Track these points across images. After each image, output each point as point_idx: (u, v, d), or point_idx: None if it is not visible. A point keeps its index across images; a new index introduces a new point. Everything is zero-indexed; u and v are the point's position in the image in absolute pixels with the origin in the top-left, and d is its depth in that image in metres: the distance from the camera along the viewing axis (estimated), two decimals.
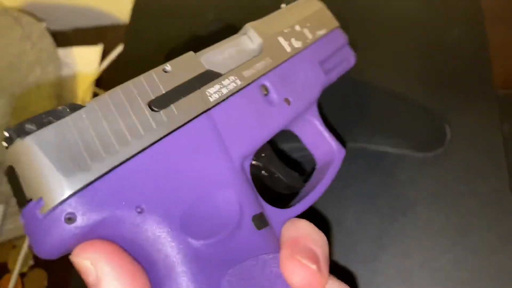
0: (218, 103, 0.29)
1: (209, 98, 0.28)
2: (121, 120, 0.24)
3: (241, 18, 0.48)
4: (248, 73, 0.31)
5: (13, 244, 0.56)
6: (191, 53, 0.30)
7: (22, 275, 0.53)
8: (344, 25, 0.43)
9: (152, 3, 0.61)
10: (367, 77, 0.47)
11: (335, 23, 0.41)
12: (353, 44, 0.42)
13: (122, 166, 0.24)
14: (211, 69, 0.30)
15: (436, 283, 0.38)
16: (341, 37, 0.41)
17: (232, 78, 0.30)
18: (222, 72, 0.30)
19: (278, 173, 0.35)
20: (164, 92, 0.27)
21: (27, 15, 0.65)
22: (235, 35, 0.34)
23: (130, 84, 0.26)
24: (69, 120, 0.23)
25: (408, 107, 0.44)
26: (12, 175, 0.23)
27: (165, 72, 0.28)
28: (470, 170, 0.41)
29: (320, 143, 0.37)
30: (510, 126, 0.45)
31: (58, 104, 0.59)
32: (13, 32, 0.62)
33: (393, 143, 0.43)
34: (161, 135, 0.25)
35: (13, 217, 0.57)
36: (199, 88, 0.28)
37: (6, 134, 0.22)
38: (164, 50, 0.56)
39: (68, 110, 0.23)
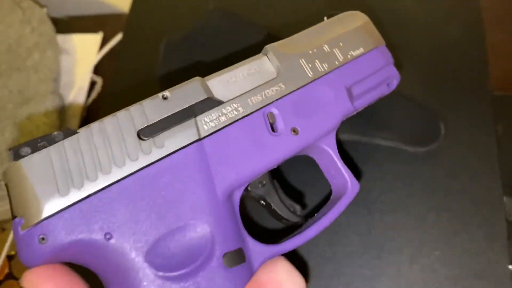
0: (213, 133, 0.28)
1: (204, 127, 0.28)
2: (108, 149, 0.26)
3: (241, 7, 0.48)
4: (255, 99, 0.30)
5: (2, 227, 0.56)
6: (197, 78, 0.29)
7: (9, 257, 0.53)
8: None
9: None
10: None
11: (378, 40, 0.36)
12: None
13: (98, 194, 0.25)
14: (216, 95, 0.29)
15: (425, 279, 0.38)
16: (382, 57, 0.36)
17: (234, 105, 0.29)
18: (226, 98, 0.29)
19: (274, 206, 0.34)
20: (157, 120, 0.27)
21: (28, 0, 0.65)
22: (255, 56, 0.32)
23: (122, 113, 0.27)
24: (61, 146, 0.25)
25: (404, 102, 0.44)
26: (7, 191, 0.25)
27: (164, 98, 0.28)
28: (463, 168, 0.41)
29: (335, 174, 0.34)
30: (504, 127, 0.44)
31: (55, 88, 0.59)
32: (13, 15, 0.62)
33: (386, 136, 0.43)
34: (144, 164, 0.26)
35: (3, 200, 0.57)
36: (195, 117, 0.28)
37: (11, 154, 0.25)
38: (163, 40, 0.56)
39: (62, 136, 0.25)
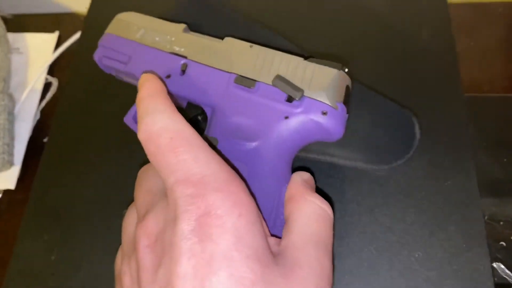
0: None
1: None
2: None
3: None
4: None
5: None
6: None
7: None
8: (315, 31, 0.42)
9: None
10: None
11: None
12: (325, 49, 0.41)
13: None
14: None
15: (404, 281, 0.37)
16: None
17: None
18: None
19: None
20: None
21: None
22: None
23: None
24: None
25: (375, 100, 0.43)
26: None
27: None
28: (439, 169, 0.41)
29: None
30: (474, 128, 0.45)
31: (4, 87, 0.54)
32: None
33: (347, 156, 0.41)
34: None
35: None
36: None
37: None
38: None
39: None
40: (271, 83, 0.37)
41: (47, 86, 0.60)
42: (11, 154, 0.52)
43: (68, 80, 0.53)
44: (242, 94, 0.37)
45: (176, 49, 0.40)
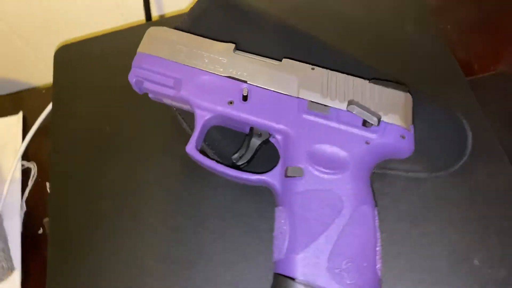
0: None
1: None
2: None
3: None
4: None
5: None
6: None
7: None
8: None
9: (75, 57, 0.55)
10: None
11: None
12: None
13: None
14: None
15: None
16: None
17: None
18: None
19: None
20: None
21: None
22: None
23: None
24: None
25: (429, 108, 0.41)
26: None
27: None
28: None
29: None
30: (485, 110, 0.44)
31: None
32: None
33: (409, 168, 0.40)
34: None
35: None
36: None
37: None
38: (97, 101, 0.49)
39: None
40: (345, 109, 0.36)
41: (25, 173, 0.55)
42: (9, 259, 0.46)
43: (49, 159, 0.48)
44: (318, 121, 0.36)
45: (233, 72, 0.38)
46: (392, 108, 0.37)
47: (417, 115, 0.39)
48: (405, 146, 0.36)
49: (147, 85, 0.39)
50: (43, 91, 0.62)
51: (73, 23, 0.66)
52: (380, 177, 0.40)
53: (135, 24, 0.58)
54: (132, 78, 0.39)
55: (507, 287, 0.36)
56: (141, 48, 0.40)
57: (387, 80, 0.38)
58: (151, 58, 0.39)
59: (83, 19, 0.66)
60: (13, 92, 0.64)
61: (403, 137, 0.36)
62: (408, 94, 0.38)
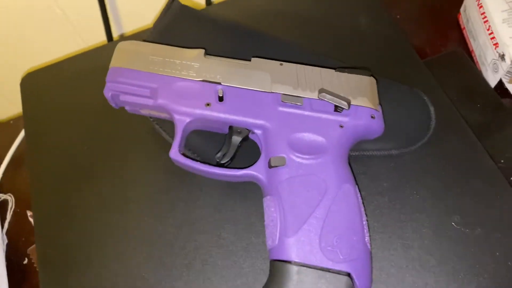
0: None
1: None
2: None
3: None
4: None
5: None
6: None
7: None
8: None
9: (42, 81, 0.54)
10: None
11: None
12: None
13: None
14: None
15: None
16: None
17: None
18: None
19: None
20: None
21: None
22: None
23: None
24: None
25: (393, 89, 0.44)
26: None
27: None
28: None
29: None
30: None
31: None
32: None
33: (380, 147, 0.42)
34: None
35: None
36: None
37: None
38: (71, 124, 0.50)
39: None
40: (317, 97, 0.39)
41: (1, 205, 0.54)
42: None
43: (26, 190, 0.47)
44: (293, 111, 0.38)
45: (207, 76, 0.40)
46: (359, 92, 0.39)
47: (382, 97, 0.42)
48: (376, 125, 0.39)
49: (124, 98, 0.40)
50: (11, 122, 0.61)
51: (32, 54, 0.66)
52: (356, 159, 0.42)
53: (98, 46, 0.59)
54: (107, 93, 0.40)
55: (485, 243, 0.38)
56: (113, 63, 0.41)
57: (351, 68, 0.41)
58: (125, 71, 0.40)
59: (43, 49, 0.66)
60: None
61: (373, 117, 0.39)
62: (372, 78, 0.41)
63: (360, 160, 0.42)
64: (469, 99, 0.48)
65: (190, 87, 0.39)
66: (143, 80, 0.40)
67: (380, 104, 0.40)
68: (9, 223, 0.53)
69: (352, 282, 0.32)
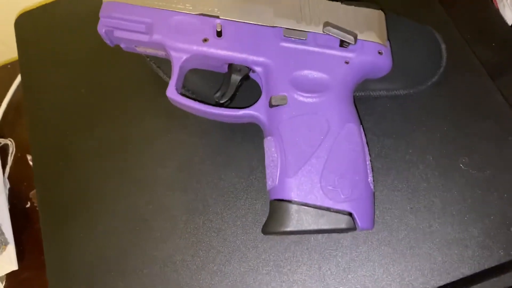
0: None
1: None
2: None
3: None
4: None
5: None
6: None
7: None
8: None
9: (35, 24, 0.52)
10: None
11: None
12: None
13: None
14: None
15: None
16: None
17: None
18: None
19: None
20: None
21: None
22: None
23: None
24: None
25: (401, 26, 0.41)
26: None
27: None
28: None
29: None
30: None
31: None
32: None
33: (387, 87, 0.40)
34: None
35: None
36: None
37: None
38: (67, 66, 0.48)
39: None
40: (321, 31, 0.36)
41: (2, 150, 0.54)
42: (1, 233, 0.46)
43: (31, 133, 0.46)
44: (296, 47, 0.36)
45: (204, 9, 0.37)
46: (367, 26, 0.37)
47: (391, 33, 0.39)
48: (384, 61, 0.37)
49: (118, 34, 0.38)
50: (8, 66, 0.60)
51: None
52: (362, 100, 0.40)
53: None
54: (101, 29, 0.38)
55: (492, 185, 0.37)
56: None
57: (358, 0, 0.38)
58: (118, 5, 0.38)
59: None
60: None
61: (380, 53, 0.36)
62: (381, 11, 0.38)
63: (366, 101, 0.40)
64: (483, 37, 0.46)
65: (186, 21, 0.37)
66: (137, 14, 0.37)
67: (388, 40, 0.38)
68: (11, 167, 0.53)
69: (354, 222, 0.32)
